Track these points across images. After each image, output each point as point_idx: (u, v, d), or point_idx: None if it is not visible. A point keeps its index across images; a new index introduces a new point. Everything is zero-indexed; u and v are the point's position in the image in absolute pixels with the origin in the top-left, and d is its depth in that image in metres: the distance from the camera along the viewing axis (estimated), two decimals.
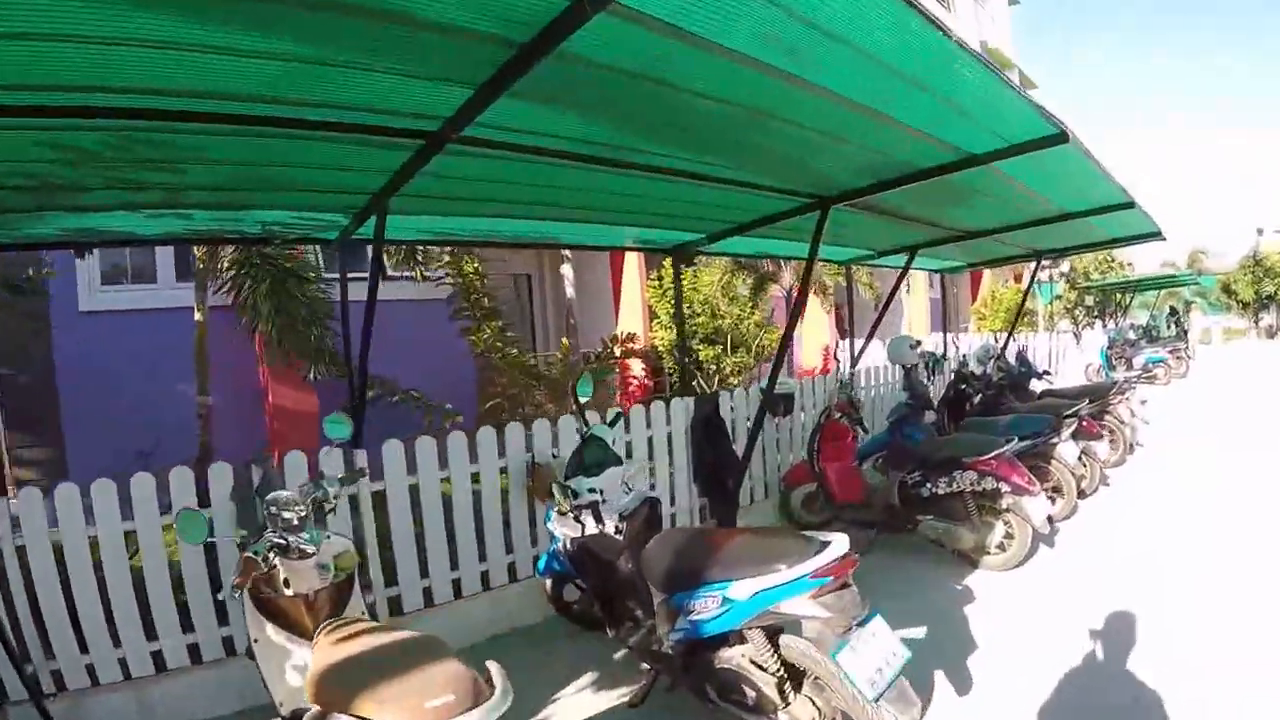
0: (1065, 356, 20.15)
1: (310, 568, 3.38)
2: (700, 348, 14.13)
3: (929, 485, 6.63)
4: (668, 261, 14.31)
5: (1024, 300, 11.99)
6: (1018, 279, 30.35)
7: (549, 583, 5.57)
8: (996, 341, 11.10)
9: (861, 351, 9.77)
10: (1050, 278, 26.44)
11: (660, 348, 14.63)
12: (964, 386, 9.35)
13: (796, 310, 6.66)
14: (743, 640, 3.82)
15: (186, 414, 9.25)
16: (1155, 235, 9.50)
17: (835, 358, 19.94)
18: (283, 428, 11.27)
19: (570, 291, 10.58)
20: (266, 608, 3.41)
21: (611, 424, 5.47)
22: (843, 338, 21.30)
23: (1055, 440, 7.52)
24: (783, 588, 3.50)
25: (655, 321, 14.90)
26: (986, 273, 28.61)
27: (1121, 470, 9.67)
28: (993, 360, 10.41)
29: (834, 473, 7.26)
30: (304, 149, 3.80)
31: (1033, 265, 11.58)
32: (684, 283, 14.61)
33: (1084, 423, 8.32)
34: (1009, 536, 6.47)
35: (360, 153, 3.91)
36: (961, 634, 5.36)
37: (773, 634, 3.74)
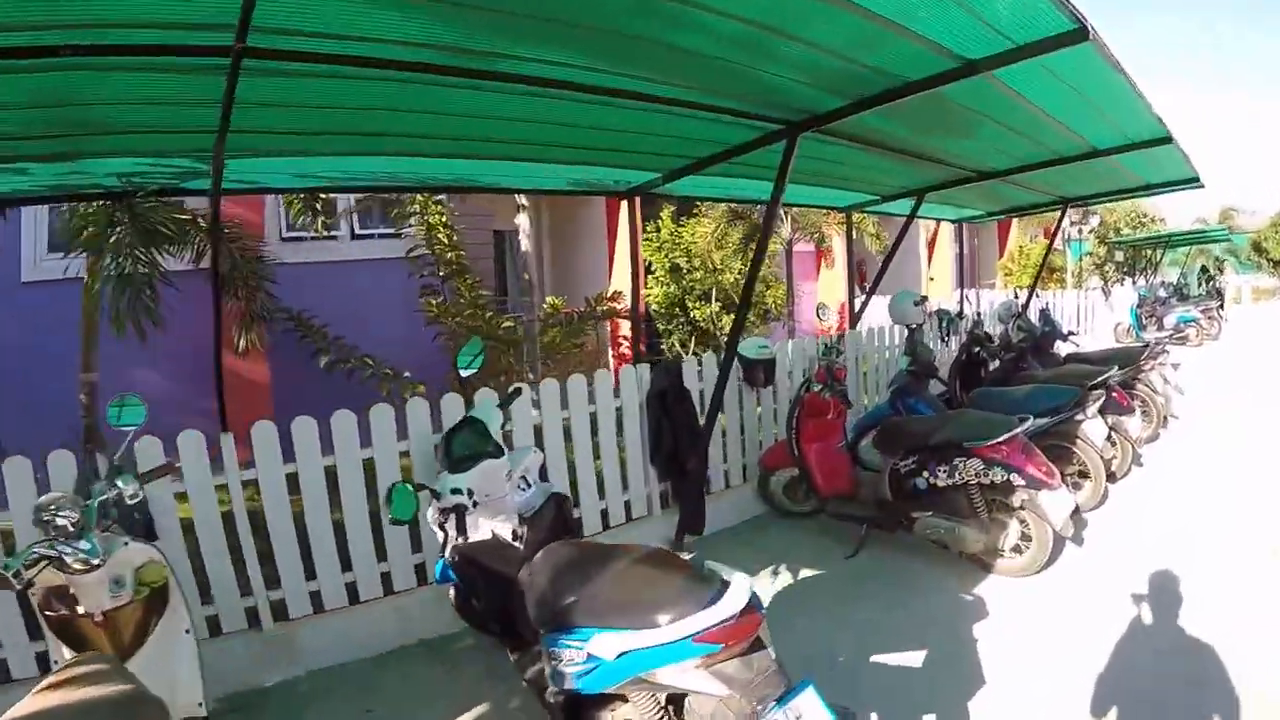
0: (1094, 315, 18.93)
1: (97, 582, 2.88)
2: (696, 305, 13.04)
3: (926, 474, 5.49)
4: (665, 212, 13.27)
5: (1048, 251, 10.85)
6: (1048, 234, 28.95)
7: (452, 590, 4.57)
8: (1018, 299, 9.96)
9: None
10: (1080, 234, 25.14)
11: (655, 306, 13.56)
12: (978, 350, 8.21)
13: (758, 258, 5.66)
14: (625, 701, 2.84)
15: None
16: (1192, 182, 8.43)
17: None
18: (232, 400, 10.34)
19: (525, 244, 9.48)
20: (63, 628, 2.96)
21: (505, 403, 4.41)
22: (862, 294, 20.35)
23: (1080, 417, 6.40)
24: (657, 650, 2.49)
25: (651, 277, 13.80)
26: (1014, 226, 27.27)
27: (1155, 447, 8.52)
28: (1013, 320, 9.31)
29: (815, 456, 6.20)
30: (106, 81, 3.33)
31: (1059, 216, 10.43)
32: (674, 235, 13.54)
33: (1113, 394, 7.21)
34: (1025, 538, 5.38)
35: (168, 81, 3.41)
36: (966, 657, 4.37)
37: (676, 699, 2.74)
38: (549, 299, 11.83)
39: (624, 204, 14.83)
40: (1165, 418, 8.88)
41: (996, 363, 8.47)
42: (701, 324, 12.98)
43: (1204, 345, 17.84)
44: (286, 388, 10.04)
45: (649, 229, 13.57)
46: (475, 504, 3.53)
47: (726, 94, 4.52)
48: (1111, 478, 7.03)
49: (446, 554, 3.79)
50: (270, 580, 4.69)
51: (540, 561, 3.31)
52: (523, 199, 9.48)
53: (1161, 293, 19.43)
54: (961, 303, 10.11)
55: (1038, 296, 12.31)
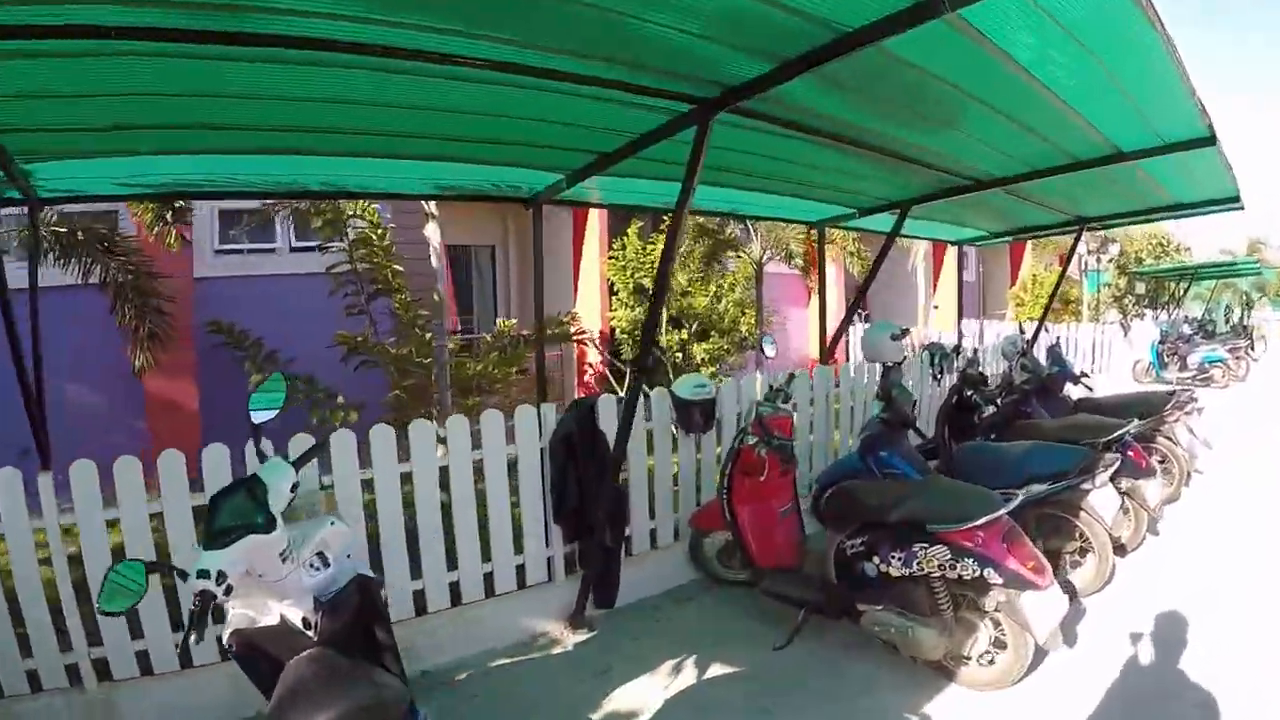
0: (1111, 351, 17.74)
1: None
2: (662, 332, 11.80)
3: (878, 560, 4.25)
4: (632, 229, 12.05)
5: (1060, 279, 9.52)
6: (1063, 261, 27.56)
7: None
8: (1023, 333, 8.69)
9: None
10: (1098, 263, 23.81)
11: (620, 329, 12.34)
12: (970, 393, 6.95)
13: (661, 283, 4.63)
14: None
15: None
16: (1231, 202, 7.28)
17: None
18: (157, 425, 10.23)
19: (435, 262, 8.29)
20: None
21: (299, 461, 3.16)
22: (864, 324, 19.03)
23: (1088, 486, 5.15)
24: None
25: (615, 299, 12.54)
26: (1027, 252, 25.93)
27: (1175, 510, 7.27)
28: (1017, 357, 8.06)
29: (749, 521, 5.03)
30: None
31: (1074, 239, 9.19)
32: (636, 252, 12.26)
33: (1130, 452, 5.97)
34: (999, 644, 4.16)
35: None
36: None
37: None
38: (500, 321, 10.59)
39: (589, 222, 13.90)
40: (1189, 474, 7.62)
41: (993, 408, 7.22)
42: (669, 352, 11.69)
43: (1230, 387, 16.53)
44: (219, 410, 9.51)
45: (615, 246, 12.33)
46: (229, 590, 2.56)
47: (616, 61, 3.45)
48: (1121, 550, 5.90)
49: (225, 637, 2.85)
50: (93, 636, 4.07)
51: (287, 676, 2.63)
52: (431, 206, 8.26)
53: (1185, 329, 18.11)
54: (959, 335, 8.75)
55: (1046, 331, 11.04)
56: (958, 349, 8.30)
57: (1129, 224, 9.83)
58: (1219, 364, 16.66)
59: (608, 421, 5.39)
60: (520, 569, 5.24)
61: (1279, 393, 15.96)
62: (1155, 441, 7.39)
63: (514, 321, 10.50)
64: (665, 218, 11.84)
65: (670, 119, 4.24)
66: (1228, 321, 20.57)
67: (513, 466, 5.14)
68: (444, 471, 4.86)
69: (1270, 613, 5.02)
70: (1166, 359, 16.88)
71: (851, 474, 5.69)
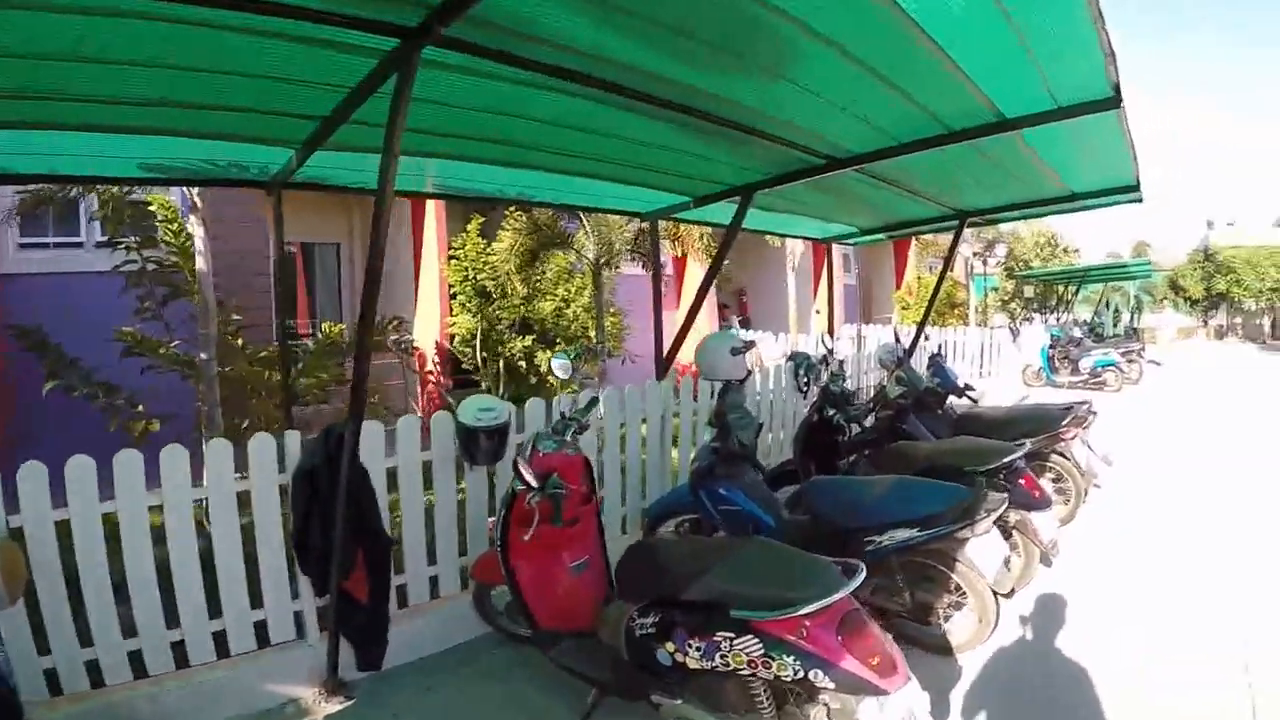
0: (1000, 356, 17.09)
1: None
2: (508, 338, 10.52)
3: (673, 646, 3.07)
4: (472, 225, 10.75)
5: (942, 278, 8.56)
6: (949, 266, 27.01)
7: None
8: (899, 341, 7.69)
9: (673, 351, 6.31)
10: (984, 267, 23.34)
11: (460, 339, 11.05)
12: (832, 412, 5.88)
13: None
14: None
15: None
16: (1129, 191, 6.39)
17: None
18: None
19: (201, 264, 6.97)
20: None
21: None
22: (741, 328, 18.02)
23: (967, 534, 4.06)
24: None
25: (455, 302, 11.20)
26: (911, 256, 25.34)
27: (1071, 531, 6.32)
28: (892, 371, 7.07)
29: (529, 579, 3.82)
30: None
31: (955, 234, 8.21)
32: (474, 252, 10.93)
33: (1021, 479, 4.97)
34: None
35: None
36: None
37: None
38: (327, 325, 9.21)
39: (427, 218, 12.54)
40: (1086, 491, 6.72)
41: (859, 428, 6.19)
42: (513, 362, 10.37)
43: (1123, 391, 16.09)
44: (25, 417, 9.26)
45: (456, 243, 10.97)
46: None
47: None
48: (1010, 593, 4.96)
49: None
50: None
51: None
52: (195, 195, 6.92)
53: (1076, 332, 17.62)
54: (827, 344, 7.67)
55: (927, 338, 10.14)
56: (826, 359, 7.30)
57: (1015, 218, 8.86)
58: (1111, 368, 16.18)
59: (372, 452, 4.32)
60: (261, 625, 4.26)
61: (1170, 396, 15.70)
62: (1049, 460, 6.49)
63: (342, 326, 9.16)
64: (511, 211, 10.58)
65: (379, 62, 3.08)
66: (1116, 324, 20.27)
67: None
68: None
69: (1173, 653, 4.32)
70: (1058, 364, 16.48)
71: (683, 509, 4.96)
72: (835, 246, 10.01)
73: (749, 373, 5.07)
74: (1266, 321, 38.80)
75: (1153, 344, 28.09)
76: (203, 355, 7.00)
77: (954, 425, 6.95)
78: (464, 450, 4.48)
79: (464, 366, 11.04)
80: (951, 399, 7.70)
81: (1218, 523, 6.85)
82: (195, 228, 6.93)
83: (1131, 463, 8.61)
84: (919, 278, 24.86)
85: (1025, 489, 4.93)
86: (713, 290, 17.14)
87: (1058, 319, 21.06)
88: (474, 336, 10.59)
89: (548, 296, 10.50)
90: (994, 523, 4.08)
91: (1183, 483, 8.23)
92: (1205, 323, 39.77)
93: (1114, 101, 3.87)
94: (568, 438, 3.95)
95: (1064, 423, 6.33)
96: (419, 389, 11.82)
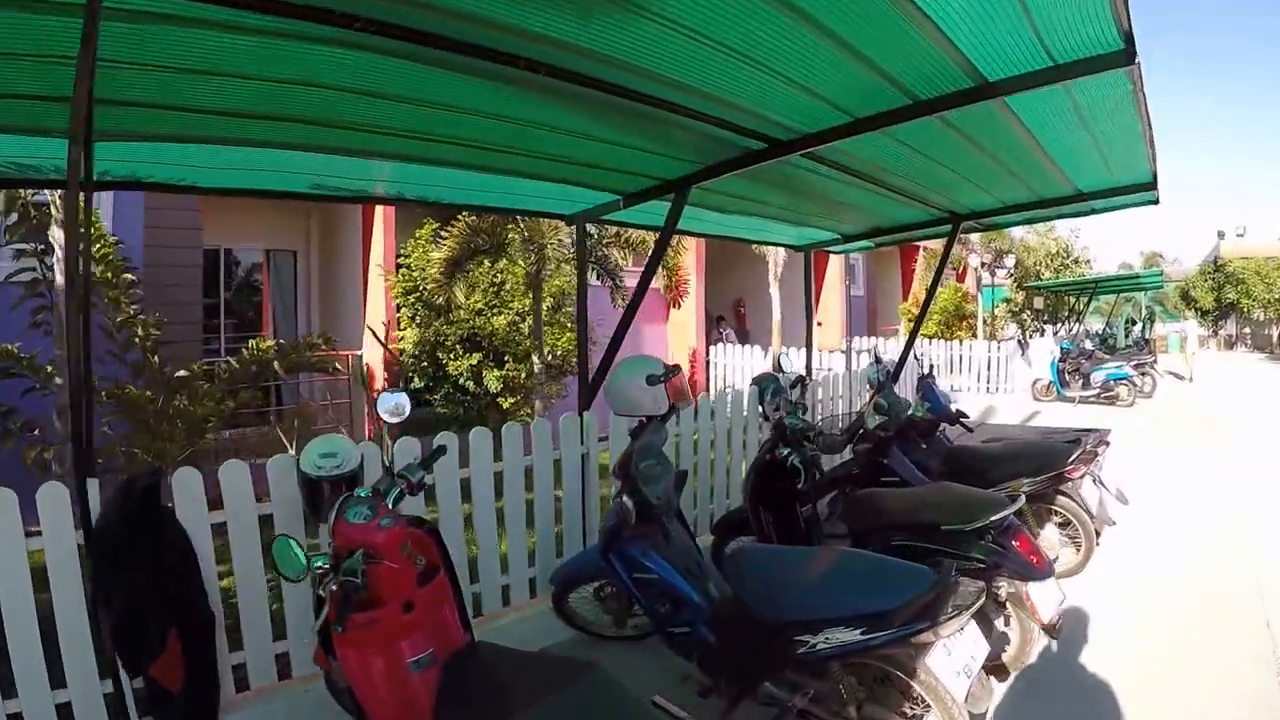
0: (1008, 370, 16.11)
1: None
2: (452, 356, 9.57)
3: None
4: (423, 229, 9.79)
5: (934, 285, 7.61)
6: (961, 278, 26.07)
7: None
8: (880, 361, 6.72)
9: (599, 378, 5.32)
10: (992, 276, 22.41)
11: (408, 354, 10.12)
12: (786, 453, 4.91)
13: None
14: None
15: None
16: (1144, 189, 5.49)
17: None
18: None
19: (59, 278, 6.22)
20: None
21: None
22: (728, 342, 17.07)
23: (930, 638, 3.02)
24: None
25: (403, 315, 10.24)
26: (919, 266, 24.39)
27: (1078, 586, 5.35)
28: (871, 393, 6.17)
29: (355, 671, 2.83)
30: None
31: (949, 238, 7.22)
32: (423, 260, 9.95)
33: (1016, 540, 3.99)
34: None
35: None
36: None
37: None
38: (255, 341, 8.30)
39: (375, 224, 11.56)
40: (1098, 533, 5.77)
41: (835, 468, 5.26)
42: (460, 382, 9.38)
43: (1136, 405, 15.22)
44: None
45: (404, 249, 10.00)
46: None
47: None
48: (1000, 671, 4.01)
49: None
50: None
51: None
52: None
53: (1087, 344, 16.74)
54: (785, 365, 6.70)
55: (918, 358, 9.19)
56: (802, 380, 6.35)
57: (1017, 221, 7.89)
58: (1124, 381, 15.36)
59: (190, 504, 3.56)
60: (66, 708, 3.45)
61: (1187, 409, 14.90)
62: (1055, 502, 5.53)
63: (271, 343, 8.25)
64: (463, 216, 9.58)
65: None
66: (1128, 335, 19.35)
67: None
68: None
69: None
70: (1068, 377, 15.62)
71: (595, 574, 4.22)
72: (840, 257, 9.04)
73: (672, 408, 4.08)
74: (1275, 332, 39.06)
75: (1163, 353, 27.26)
76: (58, 380, 6.12)
77: (945, 459, 6.01)
78: (307, 503, 3.54)
79: (413, 386, 10.10)
80: (944, 427, 6.75)
81: (1253, 568, 5.91)
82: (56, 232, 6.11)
83: (1151, 491, 7.66)
84: (927, 289, 23.82)
85: (1020, 553, 3.93)
86: (699, 302, 16.16)
87: (1068, 330, 20.18)
88: (422, 353, 9.66)
89: (505, 310, 9.44)
90: (966, 621, 3.08)
91: (1210, 516, 7.29)
92: (1215, 333, 39.89)
93: (1126, 56, 2.94)
94: (390, 502, 2.97)
95: (1071, 459, 5.36)
96: (366, 409, 10.91)
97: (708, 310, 17.92)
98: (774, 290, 15.54)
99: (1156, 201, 5.74)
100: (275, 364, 7.84)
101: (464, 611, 3.17)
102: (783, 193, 5.53)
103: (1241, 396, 16.87)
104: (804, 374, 6.37)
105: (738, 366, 15.84)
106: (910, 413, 6.37)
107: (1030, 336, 19.42)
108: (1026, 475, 5.31)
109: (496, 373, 9.24)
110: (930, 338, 18.70)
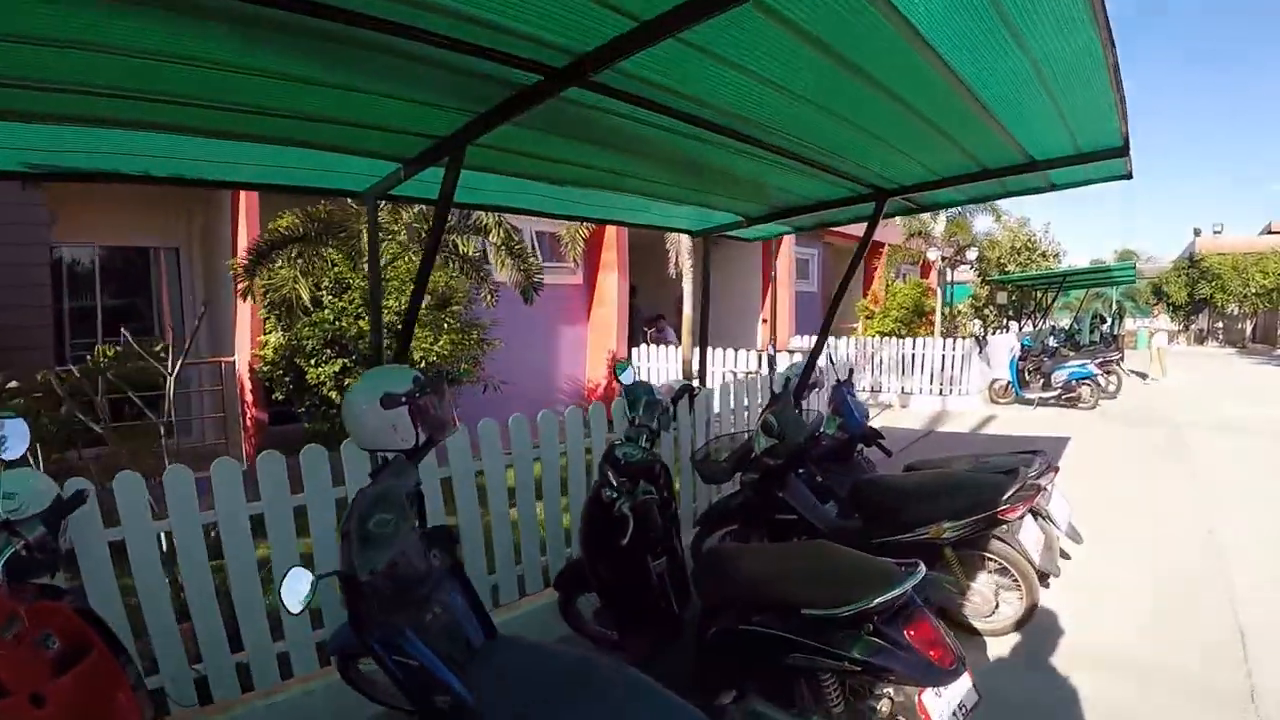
0: (965, 369, 15.06)
1: None
2: (311, 363, 8.31)
3: None
4: (283, 219, 8.48)
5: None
6: (925, 273, 25.07)
7: None
8: (775, 366, 5.55)
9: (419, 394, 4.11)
10: (952, 268, 21.41)
11: (267, 359, 8.88)
12: (612, 496, 3.70)
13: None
14: None
15: None
16: (1113, 154, 4.31)
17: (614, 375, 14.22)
18: None
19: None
20: None
21: None
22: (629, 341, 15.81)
23: None
24: None
25: (266, 316, 8.94)
26: (883, 259, 23.32)
27: (1023, 643, 4.38)
28: (765, 409, 5.06)
29: None
30: None
31: (872, 217, 5.96)
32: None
33: (910, 628, 2.86)
34: None
35: None
36: None
37: None
38: (100, 348, 7.10)
39: (242, 221, 10.28)
40: (1046, 576, 4.69)
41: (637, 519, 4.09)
42: (319, 390, 8.10)
43: (1099, 407, 14.29)
44: None
45: (261, 243, 8.72)
46: None
47: None
48: None
49: None
50: None
51: None
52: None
53: (1051, 341, 15.81)
54: (701, 369, 5.54)
55: (832, 362, 8.04)
56: (689, 390, 5.20)
57: (959, 200, 6.70)
58: (1087, 380, 14.42)
59: None
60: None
61: (1154, 413, 13.85)
62: (988, 547, 4.41)
63: (120, 349, 7.02)
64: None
65: None
66: (1094, 331, 18.38)
67: None
68: None
69: None
70: (1028, 376, 14.73)
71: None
72: (794, 249, 7.83)
73: (423, 440, 2.86)
74: (1248, 326, 38.83)
75: (1132, 349, 26.55)
76: None
77: (852, 494, 4.87)
78: None
79: (275, 397, 8.86)
80: (857, 446, 5.63)
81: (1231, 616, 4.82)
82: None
83: (1108, 517, 6.59)
84: (887, 285, 22.83)
85: (916, 647, 2.79)
86: (621, 299, 14.59)
87: (1033, 327, 19.18)
88: (280, 359, 8.40)
89: (392, 307, 8.07)
90: None
91: (1179, 546, 6.22)
92: (1186, 327, 39.78)
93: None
94: None
95: (1005, 497, 4.25)
96: (239, 423, 9.67)
97: (638, 308, 16.63)
98: (686, 285, 13.83)
99: (1129, 175, 4.57)
100: (106, 375, 6.60)
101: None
102: (654, 164, 4.37)
103: (1213, 398, 15.87)
104: (691, 382, 5.21)
105: (655, 370, 14.60)
106: (822, 429, 5.26)
107: (993, 333, 18.34)
108: (948, 518, 4.22)
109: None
110: (884, 335, 17.63)
